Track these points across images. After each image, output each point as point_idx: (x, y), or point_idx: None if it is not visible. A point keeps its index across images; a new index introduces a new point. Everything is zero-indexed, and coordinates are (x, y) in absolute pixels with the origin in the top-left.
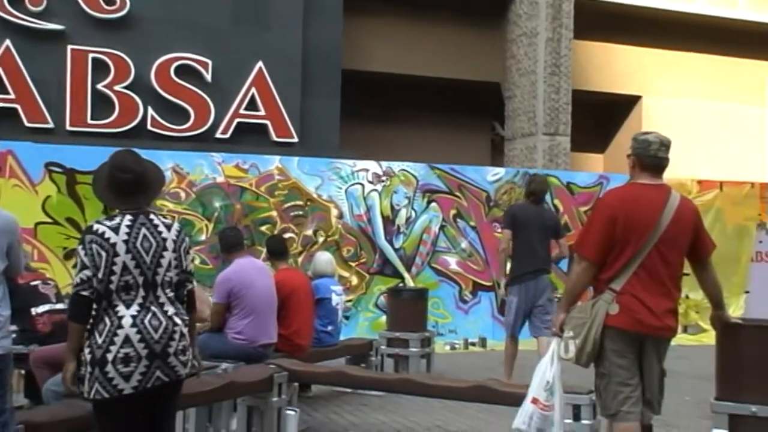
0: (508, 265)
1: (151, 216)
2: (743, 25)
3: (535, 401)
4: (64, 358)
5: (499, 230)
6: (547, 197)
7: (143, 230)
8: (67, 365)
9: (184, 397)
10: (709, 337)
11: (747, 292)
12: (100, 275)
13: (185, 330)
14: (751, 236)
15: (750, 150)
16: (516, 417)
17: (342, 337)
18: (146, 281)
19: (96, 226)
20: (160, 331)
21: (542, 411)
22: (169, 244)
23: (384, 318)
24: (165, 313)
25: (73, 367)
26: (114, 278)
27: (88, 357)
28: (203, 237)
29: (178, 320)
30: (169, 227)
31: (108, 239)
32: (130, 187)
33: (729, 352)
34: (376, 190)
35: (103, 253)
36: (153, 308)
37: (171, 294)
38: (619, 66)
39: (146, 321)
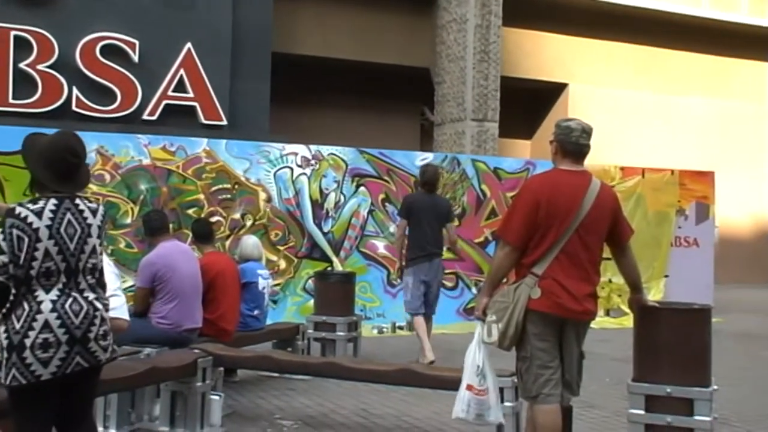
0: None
1: (77, 201)
2: (667, 16)
3: (469, 388)
4: None
5: None
6: (475, 182)
7: (68, 216)
8: None
9: (106, 383)
10: (630, 321)
11: (667, 276)
12: (21, 261)
13: (106, 315)
14: (671, 222)
15: (671, 138)
16: (454, 406)
17: (270, 322)
18: (68, 267)
19: (18, 210)
20: (80, 316)
21: (478, 396)
22: (94, 230)
23: (312, 302)
24: (86, 298)
25: None
26: (35, 264)
27: (5, 342)
28: (128, 220)
29: (98, 305)
30: (94, 212)
31: (30, 224)
32: (73, 171)
33: (646, 334)
34: (305, 173)
35: (25, 238)
36: (73, 293)
37: (93, 280)
38: (546, 54)
39: (66, 306)
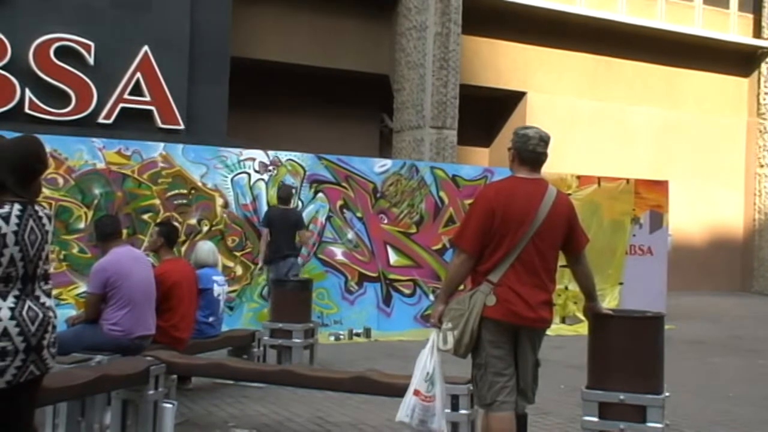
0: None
1: (37, 207)
2: (622, 26)
3: (417, 393)
4: None
5: (385, 221)
6: (433, 190)
7: (31, 222)
8: None
9: (55, 391)
10: (586, 328)
11: (621, 283)
12: None
13: (56, 322)
14: (626, 230)
15: (626, 147)
16: (399, 409)
17: (226, 328)
18: (26, 274)
19: None
20: (36, 324)
21: (424, 402)
22: (49, 237)
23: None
24: (42, 304)
25: None
26: None
27: None
28: (82, 225)
29: (50, 313)
30: (50, 219)
31: None
32: (36, 178)
33: (600, 342)
34: (262, 179)
35: None
36: (29, 300)
37: (47, 286)
38: (504, 62)
39: (24, 313)
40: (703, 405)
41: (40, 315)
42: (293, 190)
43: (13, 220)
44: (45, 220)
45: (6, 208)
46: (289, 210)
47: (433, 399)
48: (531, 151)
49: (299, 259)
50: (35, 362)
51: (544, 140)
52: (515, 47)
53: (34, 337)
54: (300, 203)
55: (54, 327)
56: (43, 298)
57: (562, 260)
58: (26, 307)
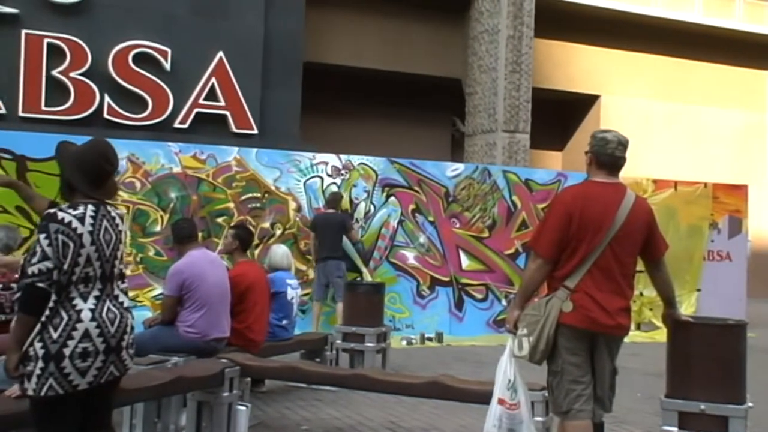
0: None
1: (109, 208)
2: (698, 28)
3: (501, 402)
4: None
5: (457, 225)
6: (506, 194)
7: (105, 222)
8: (10, 356)
9: (132, 392)
10: (662, 335)
11: (699, 290)
12: (65, 267)
13: (134, 323)
14: (703, 235)
15: (703, 150)
16: (486, 421)
17: (298, 331)
18: (104, 274)
19: (61, 215)
20: (116, 325)
21: (510, 410)
22: (122, 237)
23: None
24: (121, 304)
25: (17, 357)
26: (77, 270)
27: (41, 352)
28: (158, 228)
29: (128, 314)
30: (122, 219)
31: (75, 229)
32: (106, 178)
33: (679, 350)
34: (335, 183)
35: (71, 244)
36: (108, 301)
37: (123, 285)
38: (577, 65)
39: (104, 314)
40: None
41: (119, 316)
42: (341, 196)
43: (88, 220)
44: (118, 220)
45: (80, 209)
46: (332, 215)
47: (518, 406)
48: (609, 155)
49: (371, 263)
50: (115, 363)
51: (623, 144)
52: (588, 50)
53: (113, 339)
54: (372, 207)
55: (132, 328)
56: (122, 297)
57: (637, 265)
58: (105, 309)
